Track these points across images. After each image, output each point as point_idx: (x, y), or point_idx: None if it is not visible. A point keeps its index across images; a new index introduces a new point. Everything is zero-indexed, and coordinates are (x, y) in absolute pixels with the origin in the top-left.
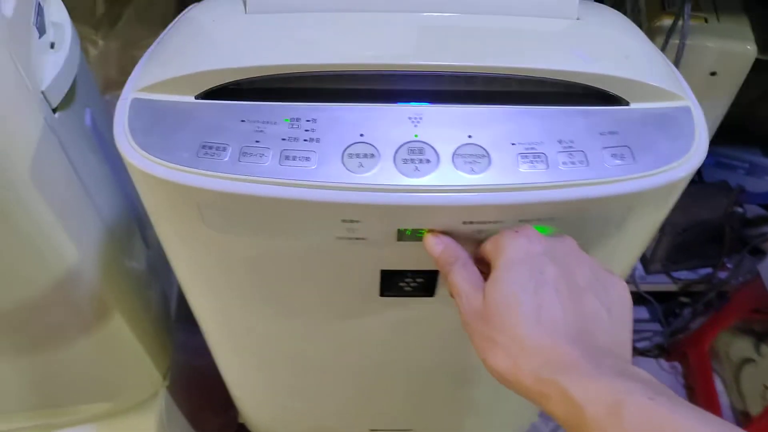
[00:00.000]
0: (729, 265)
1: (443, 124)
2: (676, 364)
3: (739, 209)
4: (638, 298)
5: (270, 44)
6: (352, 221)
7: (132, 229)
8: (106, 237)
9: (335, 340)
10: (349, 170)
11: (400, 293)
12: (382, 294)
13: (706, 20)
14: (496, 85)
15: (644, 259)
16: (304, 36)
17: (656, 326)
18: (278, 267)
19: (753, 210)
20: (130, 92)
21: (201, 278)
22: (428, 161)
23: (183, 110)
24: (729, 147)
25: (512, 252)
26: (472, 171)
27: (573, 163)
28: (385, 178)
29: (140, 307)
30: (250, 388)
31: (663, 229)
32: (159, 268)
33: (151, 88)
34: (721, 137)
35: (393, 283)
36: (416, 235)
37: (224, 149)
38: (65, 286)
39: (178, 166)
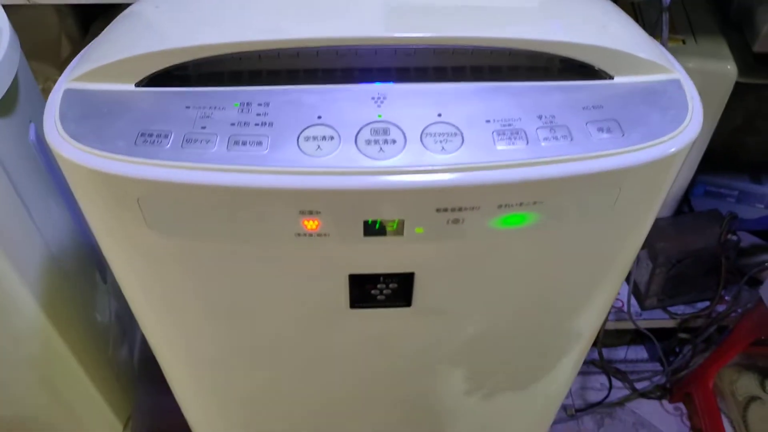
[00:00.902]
0: (727, 298)
1: (409, 103)
2: (680, 405)
3: (733, 237)
4: (637, 337)
5: (216, 22)
6: (311, 212)
7: (88, 265)
8: (53, 269)
9: (302, 363)
10: (305, 153)
11: (373, 303)
12: (353, 305)
13: (683, 42)
14: (466, 59)
15: (639, 295)
16: (254, 12)
17: (656, 366)
18: (232, 276)
19: (747, 238)
20: (63, 83)
21: (151, 297)
22: (394, 141)
23: (121, 99)
24: (717, 175)
25: None
26: (443, 150)
27: (556, 138)
28: (347, 161)
29: (96, 349)
30: (215, 427)
31: (656, 261)
32: (121, 311)
33: (87, 77)
34: (709, 166)
35: (364, 292)
36: (385, 230)
37: (166, 136)
38: (6, 318)
39: (114, 155)
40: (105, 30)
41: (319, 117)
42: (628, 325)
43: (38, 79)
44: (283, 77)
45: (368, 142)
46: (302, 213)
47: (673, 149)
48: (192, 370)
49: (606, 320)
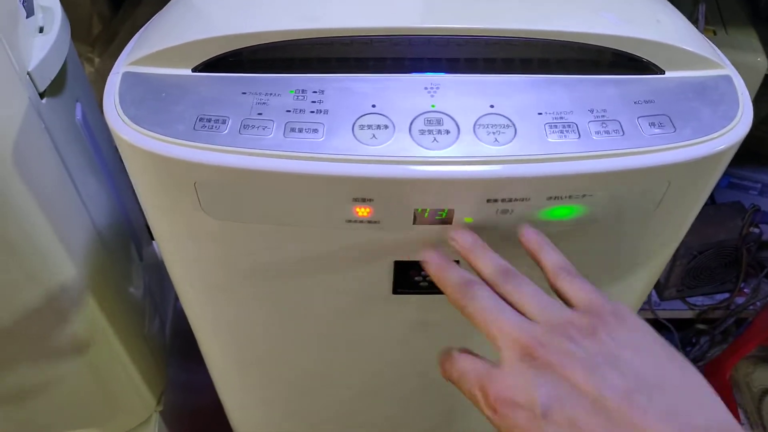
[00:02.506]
0: (746, 290)
1: (462, 94)
2: None
3: (755, 230)
4: (655, 326)
5: (272, 10)
6: (364, 200)
7: (126, 242)
8: (98, 246)
9: (343, 347)
10: (360, 142)
11: (415, 289)
12: (395, 291)
13: (714, 33)
14: (518, 52)
15: (658, 285)
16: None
17: None
18: (283, 260)
19: None
20: (121, 66)
21: (199, 278)
22: (448, 132)
23: (178, 83)
24: (741, 168)
25: None
26: (496, 142)
27: (607, 132)
28: (401, 150)
29: (133, 324)
30: (251, 410)
31: (677, 252)
32: (154, 286)
33: (144, 61)
34: (733, 158)
35: (407, 278)
36: (434, 218)
37: (224, 122)
38: (52, 295)
39: (173, 139)
40: (160, 13)
41: (374, 106)
42: (647, 315)
43: None
44: (335, 65)
45: (422, 132)
46: (355, 200)
47: (723, 145)
48: (234, 353)
49: None
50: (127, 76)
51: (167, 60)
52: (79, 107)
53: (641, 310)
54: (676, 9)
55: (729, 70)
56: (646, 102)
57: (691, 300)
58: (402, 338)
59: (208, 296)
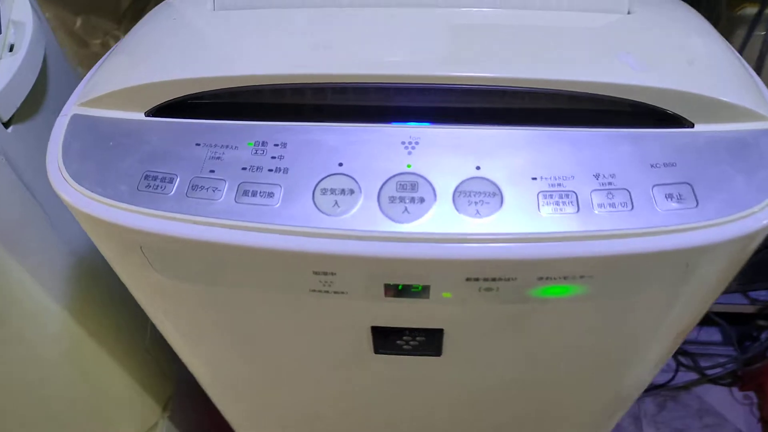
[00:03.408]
0: None
1: (445, 151)
2: (751, 394)
3: None
4: (707, 319)
5: (236, 49)
6: (325, 273)
7: None
8: (77, 273)
9: (329, 397)
10: (320, 211)
11: (399, 351)
12: (377, 351)
13: None
14: (516, 101)
15: None
16: (277, 39)
17: (728, 350)
18: (249, 322)
19: None
20: (71, 107)
21: (173, 328)
22: (422, 200)
23: (129, 130)
24: None
25: None
26: (477, 213)
27: (612, 205)
28: (366, 223)
29: (130, 339)
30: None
31: None
32: None
33: (96, 102)
34: None
35: (389, 341)
36: (410, 291)
37: (171, 181)
38: (32, 326)
39: (115, 203)
40: (117, 48)
41: (341, 164)
42: None
43: (97, 34)
44: (301, 110)
45: (392, 199)
46: (316, 273)
47: (757, 226)
48: (219, 390)
49: None
50: (77, 120)
51: (120, 102)
52: None
53: None
54: (720, 38)
55: None
56: (666, 165)
57: (754, 294)
58: (390, 390)
59: (184, 343)
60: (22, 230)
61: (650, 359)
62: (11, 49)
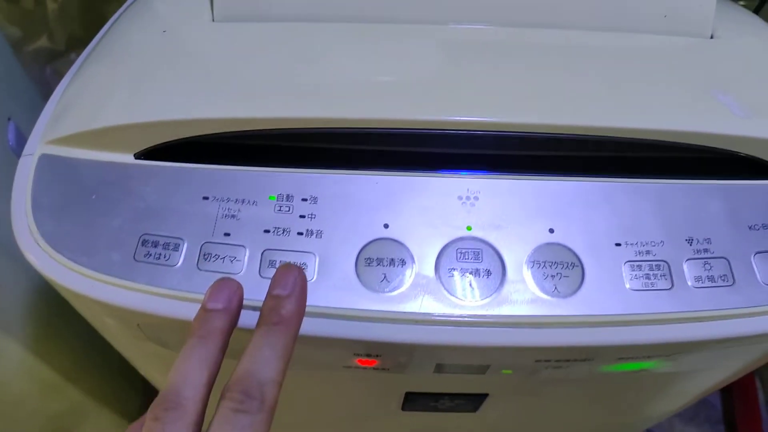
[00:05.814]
0: None
1: (510, 209)
2: None
3: None
4: None
5: (250, 78)
6: (369, 355)
7: None
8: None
9: None
10: (366, 287)
11: (431, 410)
12: (404, 409)
13: None
14: (590, 147)
15: None
16: (301, 66)
17: None
18: None
19: None
20: (37, 143)
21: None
22: (488, 273)
23: (115, 178)
24: None
25: None
26: (556, 291)
27: (711, 279)
28: (420, 302)
29: (99, 359)
30: None
31: None
32: None
33: (71, 140)
34: None
35: (420, 404)
36: (463, 369)
37: (176, 248)
38: None
39: (106, 278)
40: (92, 56)
41: (386, 226)
42: None
43: None
44: (332, 156)
45: (451, 271)
46: (357, 355)
47: None
48: None
49: None
50: (46, 162)
51: (103, 142)
52: (12, 128)
53: None
54: None
55: None
56: (766, 227)
57: None
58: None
59: None
60: None
61: (674, 410)
62: None
